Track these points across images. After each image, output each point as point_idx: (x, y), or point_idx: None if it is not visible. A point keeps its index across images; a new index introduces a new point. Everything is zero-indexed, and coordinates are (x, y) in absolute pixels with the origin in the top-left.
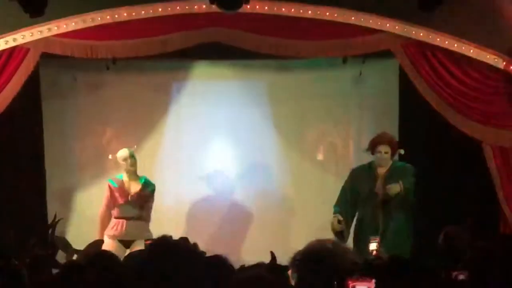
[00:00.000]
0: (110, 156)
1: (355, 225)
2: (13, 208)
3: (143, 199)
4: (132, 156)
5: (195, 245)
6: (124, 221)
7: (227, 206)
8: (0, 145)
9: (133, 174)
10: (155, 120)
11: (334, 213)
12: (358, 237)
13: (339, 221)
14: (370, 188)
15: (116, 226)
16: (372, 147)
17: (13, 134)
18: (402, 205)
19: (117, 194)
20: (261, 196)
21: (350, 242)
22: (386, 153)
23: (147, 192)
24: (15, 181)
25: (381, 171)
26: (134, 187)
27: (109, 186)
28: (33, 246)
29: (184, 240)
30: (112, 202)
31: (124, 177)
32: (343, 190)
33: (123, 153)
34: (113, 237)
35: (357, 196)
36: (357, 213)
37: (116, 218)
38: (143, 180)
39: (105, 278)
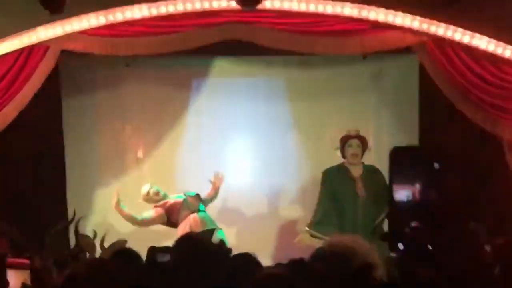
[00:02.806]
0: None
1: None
2: (33, 205)
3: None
4: (150, 191)
5: (221, 241)
6: (192, 215)
7: (246, 202)
8: (20, 142)
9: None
10: (175, 117)
11: (316, 230)
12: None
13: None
14: (350, 190)
15: (186, 223)
16: (343, 142)
17: (33, 132)
18: (379, 205)
19: (170, 214)
20: (281, 192)
21: None
22: (358, 146)
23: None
24: (35, 179)
25: (356, 173)
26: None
27: (165, 211)
28: (50, 244)
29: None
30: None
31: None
32: (323, 197)
33: (152, 197)
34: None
35: (333, 198)
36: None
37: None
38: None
39: (129, 274)
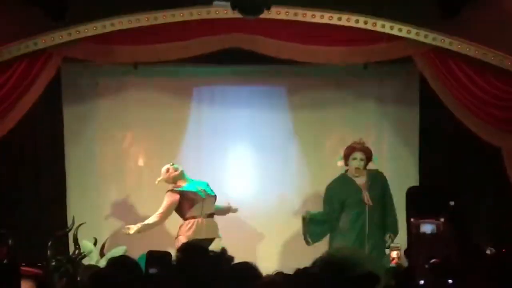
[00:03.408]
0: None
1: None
2: (34, 212)
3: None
4: (176, 170)
5: (223, 250)
6: (197, 219)
7: (246, 211)
8: (21, 148)
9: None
10: (176, 125)
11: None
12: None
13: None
14: (357, 198)
15: (188, 226)
16: (348, 154)
17: (34, 138)
18: (382, 212)
19: (184, 198)
20: (280, 201)
21: None
22: (361, 160)
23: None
24: (35, 185)
25: (361, 181)
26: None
27: (180, 195)
28: (50, 250)
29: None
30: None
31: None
32: (330, 207)
33: (171, 171)
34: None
35: (340, 209)
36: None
37: (187, 219)
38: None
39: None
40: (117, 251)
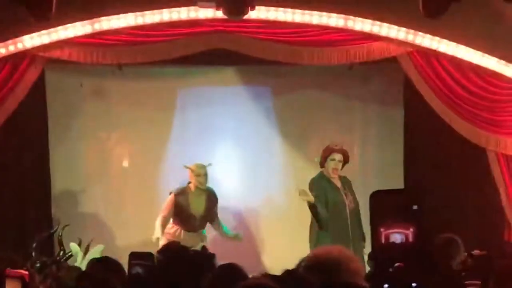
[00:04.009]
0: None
1: (317, 232)
2: (18, 213)
3: (209, 216)
4: (206, 174)
5: (203, 248)
6: (184, 231)
7: (232, 211)
8: (6, 150)
9: (199, 189)
10: (161, 126)
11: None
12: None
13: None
14: (339, 199)
15: (175, 234)
16: (327, 155)
17: (19, 139)
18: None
19: (180, 212)
20: (266, 201)
21: None
22: (340, 161)
23: (214, 205)
24: (20, 186)
25: (337, 183)
26: (198, 204)
27: (174, 202)
28: (35, 251)
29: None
30: (173, 215)
31: (191, 189)
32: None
33: (200, 170)
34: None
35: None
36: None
37: (175, 225)
38: (209, 193)
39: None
40: (95, 251)
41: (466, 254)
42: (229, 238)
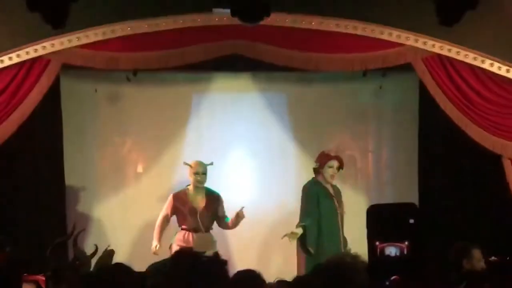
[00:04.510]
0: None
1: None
2: (33, 217)
3: (211, 212)
4: (204, 173)
5: (216, 254)
6: (191, 233)
7: (245, 218)
8: (21, 155)
9: (197, 188)
10: (175, 132)
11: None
12: (318, 251)
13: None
14: (331, 205)
15: (184, 237)
16: (325, 161)
17: (33, 144)
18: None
19: (183, 209)
20: (280, 207)
21: None
22: (337, 168)
23: (214, 203)
24: (35, 192)
25: (330, 189)
26: (198, 201)
27: (173, 200)
28: (50, 258)
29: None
30: (178, 217)
31: (191, 190)
32: (312, 206)
33: (199, 168)
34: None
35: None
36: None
37: (183, 229)
38: (207, 192)
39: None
40: (104, 255)
41: (483, 260)
42: (235, 223)
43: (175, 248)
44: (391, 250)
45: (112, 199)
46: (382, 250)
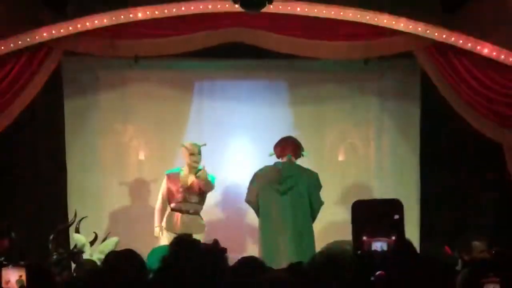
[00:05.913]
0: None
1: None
2: (34, 205)
3: (200, 189)
4: (199, 153)
5: (215, 242)
6: (179, 214)
7: (245, 205)
8: (22, 142)
9: (193, 168)
10: (177, 119)
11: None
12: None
13: None
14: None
15: (170, 218)
16: (282, 151)
17: (35, 132)
18: None
19: (174, 188)
20: None
21: None
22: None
23: (207, 182)
24: (36, 179)
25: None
26: (188, 180)
27: (166, 180)
28: (52, 244)
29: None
30: (169, 195)
31: (184, 170)
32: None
33: (194, 148)
34: (168, 230)
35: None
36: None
37: (172, 210)
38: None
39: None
40: (109, 243)
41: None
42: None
43: (164, 232)
44: (377, 245)
45: (113, 186)
46: (369, 245)
